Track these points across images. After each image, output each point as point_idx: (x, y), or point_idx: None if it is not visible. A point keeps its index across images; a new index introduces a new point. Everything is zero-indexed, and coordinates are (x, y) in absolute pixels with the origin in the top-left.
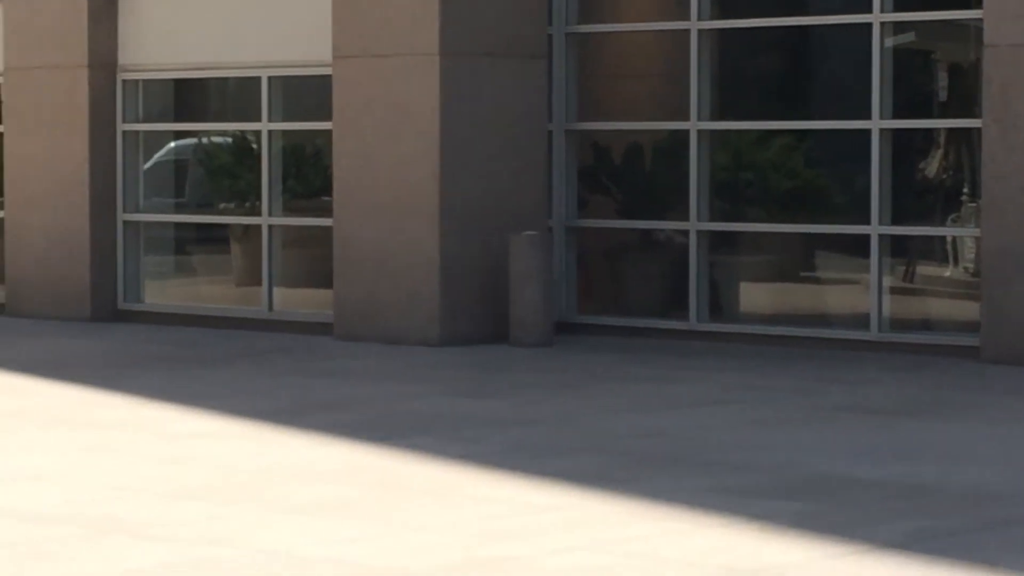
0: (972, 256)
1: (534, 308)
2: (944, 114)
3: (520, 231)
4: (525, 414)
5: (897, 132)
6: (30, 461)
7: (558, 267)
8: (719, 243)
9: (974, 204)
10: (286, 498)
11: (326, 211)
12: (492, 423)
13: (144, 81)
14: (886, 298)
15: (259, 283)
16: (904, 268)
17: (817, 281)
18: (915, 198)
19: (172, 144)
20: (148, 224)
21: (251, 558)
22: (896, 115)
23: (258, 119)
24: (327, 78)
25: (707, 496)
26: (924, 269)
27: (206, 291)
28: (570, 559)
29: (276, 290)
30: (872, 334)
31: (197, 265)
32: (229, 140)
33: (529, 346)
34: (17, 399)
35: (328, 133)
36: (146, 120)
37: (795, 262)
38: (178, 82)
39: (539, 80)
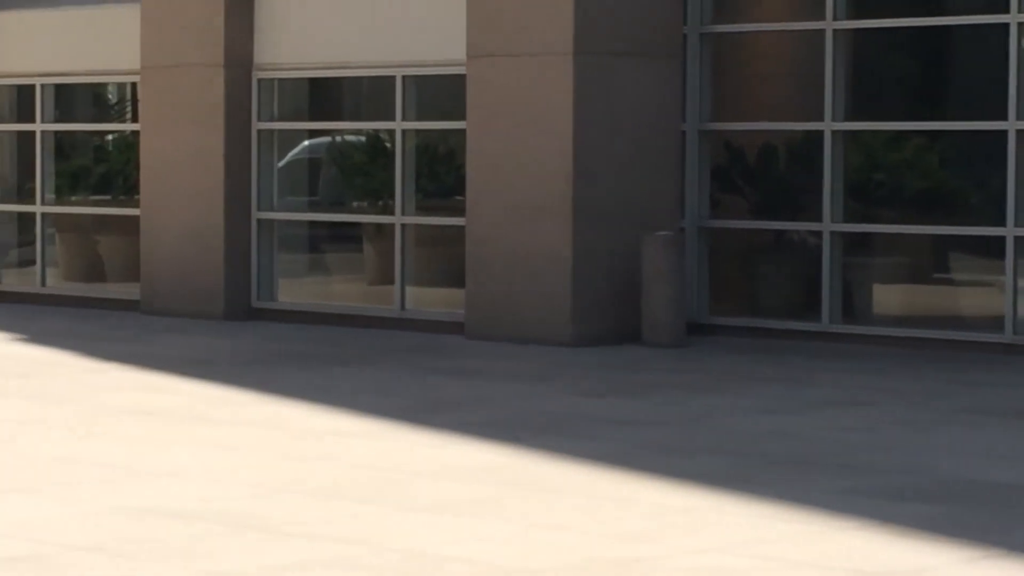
0: None
1: (666, 308)
2: None
3: (653, 231)
4: (657, 414)
5: None
6: (169, 458)
7: (691, 268)
8: (852, 244)
9: None
10: (419, 497)
11: (459, 210)
12: (623, 423)
13: (279, 80)
14: (1021, 300)
15: (391, 282)
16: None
17: (950, 283)
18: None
19: (306, 143)
20: (282, 222)
21: (385, 556)
22: None
23: (392, 118)
24: (461, 77)
25: (839, 498)
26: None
27: (339, 290)
28: (700, 560)
29: (408, 289)
30: (1006, 337)
31: (330, 264)
32: (363, 139)
33: (661, 347)
34: (155, 396)
35: (461, 132)
36: (281, 119)
37: (928, 264)
38: (313, 81)
39: (673, 80)
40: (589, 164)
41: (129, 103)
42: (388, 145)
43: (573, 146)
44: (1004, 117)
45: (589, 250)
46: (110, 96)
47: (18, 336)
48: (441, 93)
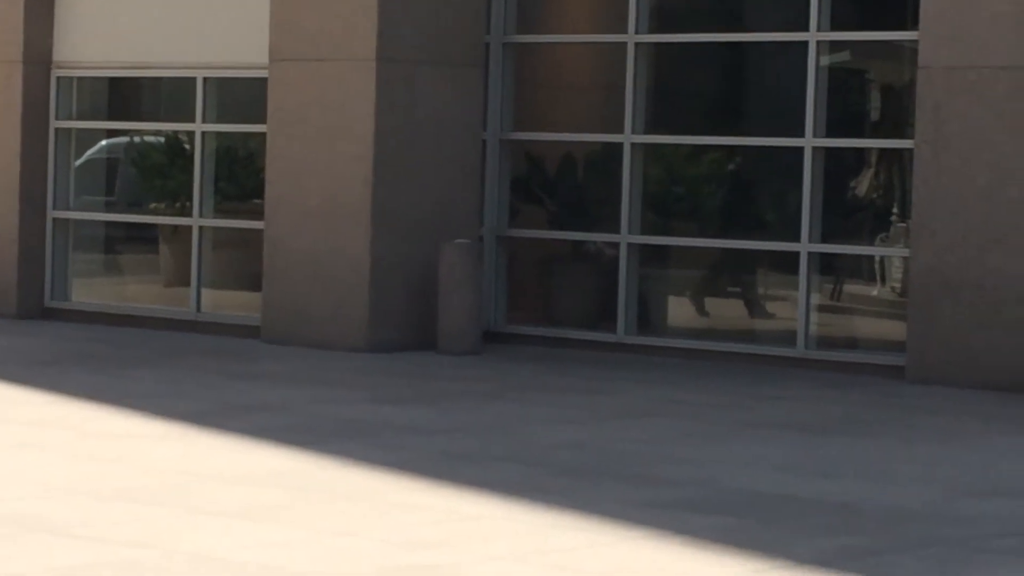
0: (900, 276)
1: (463, 316)
2: (877, 134)
3: (452, 239)
4: (451, 422)
5: (829, 150)
6: None
7: (488, 276)
8: (649, 256)
9: (903, 224)
10: (211, 501)
11: (257, 214)
12: (418, 431)
13: (79, 78)
14: (813, 315)
15: (188, 284)
16: (832, 286)
17: (746, 297)
18: (845, 217)
19: (104, 142)
20: (78, 222)
21: (175, 560)
22: (829, 133)
23: (192, 120)
24: (263, 80)
25: (632, 509)
26: (852, 288)
27: (134, 291)
28: (492, 569)
29: (204, 292)
30: (798, 351)
31: (126, 264)
32: (162, 140)
33: (457, 354)
34: None
35: (262, 136)
36: (79, 118)
37: (724, 277)
38: (113, 80)
39: (475, 89)
40: (389, 171)
41: None
42: (187, 147)
43: (373, 152)
44: (802, 134)
45: (387, 256)
46: None
47: None
48: (242, 96)
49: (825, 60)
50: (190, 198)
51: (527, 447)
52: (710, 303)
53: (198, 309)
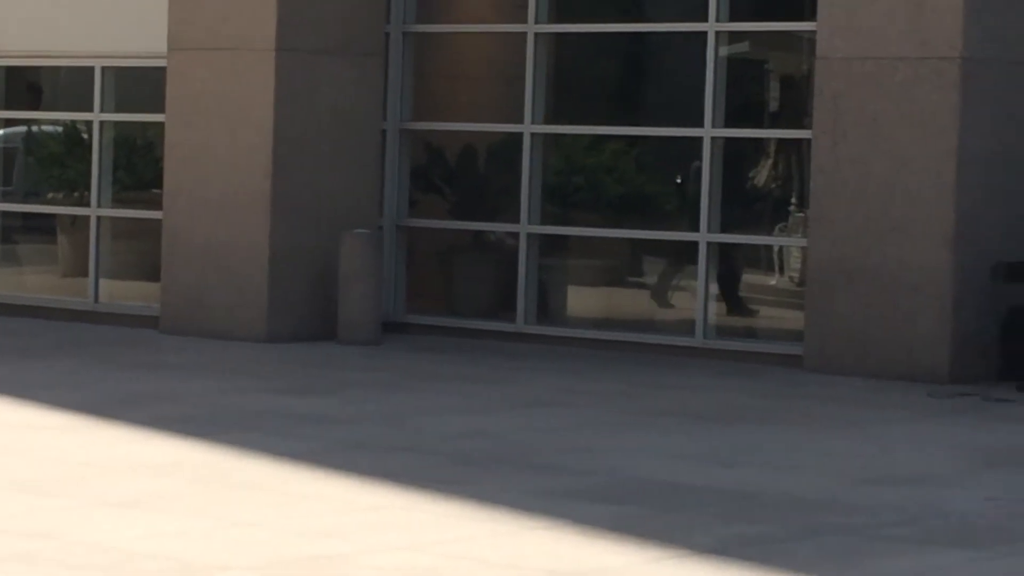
0: (798, 266)
1: (363, 306)
2: (775, 124)
3: (351, 229)
4: (350, 412)
5: (728, 140)
6: None
7: (388, 266)
8: (549, 246)
9: (802, 214)
10: (109, 491)
11: (156, 204)
12: (317, 420)
13: None
14: (712, 305)
15: (86, 274)
16: (730, 276)
17: (645, 287)
18: (744, 207)
19: (0, 131)
20: None
21: (73, 551)
22: (728, 124)
23: (90, 109)
24: (161, 70)
25: (531, 499)
26: (751, 277)
27: (31, 281)
28: (391, 559)
29: (103, 282)
30: (697, 340)
31: (23, 254)
32: (60, 129)
33: (357, 344)
34: None
35: (161, 125)
36: None
37: (624, 267)
38: (9, 69)
39: (375, 79)
40: (288, 160)
41: None
42: (85, 136)
43: (272, 142)
44: (701, 124)
45: (286, 246)
46: None
47: None
48: (141, 85)
49: (724, 51)
50: (88, 188)
51: (426, 437)
52: (610, 293)
53: (96, 299)
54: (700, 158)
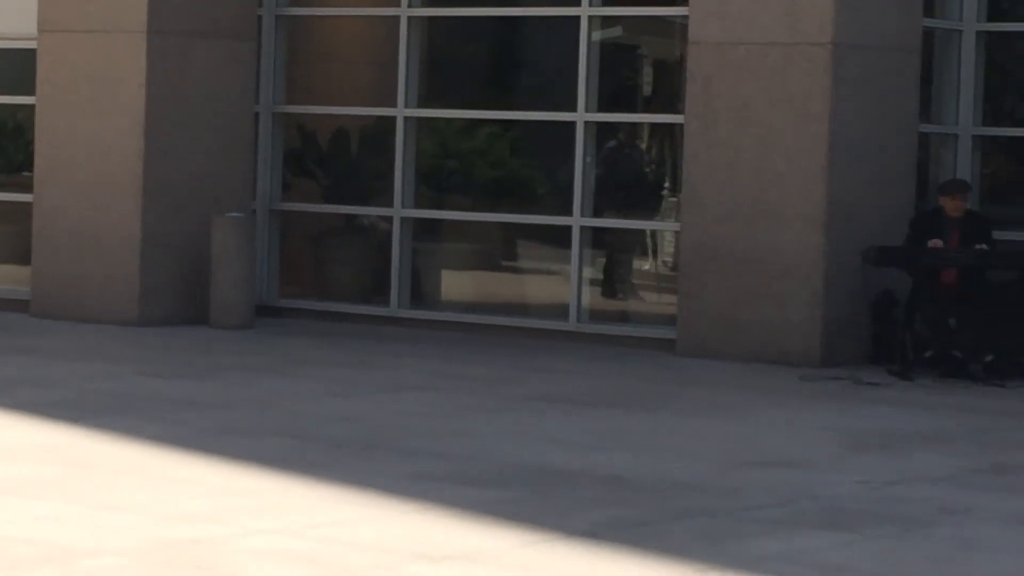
0: (671, 250)
1: (235, 290)
2: (648, 109)
3: (224, 213)
4: (223, 396)
5: (602, 125)
6: None
7: (261, 250)
8: (423, 230)
9: (674, 199)
10: None
11: (26, 187)
12: (190, 405)
13: None
14: (586, 289)
15: None
16: (604, 260)
17: (519, 270)
18: (617, 191)
19: None
20: None
21: None
22: (601, 108)
23: None
24: (31, 52)
25: (404, 482)
26: (624, 262)
27: None
28: (264, 542)
29: None
30: (571, 324)
31: None
32: None
33: (229, 328)
34: None
35: (31, 108)
36: None
37: (498, 251)
38: None
39: (247, 62)
40: (160, 143)
41: None
42: None
43: (144, 125)
44: (574, 109)
45: (158, 230)
46: None
47: None
48: (10, 67)
49: (597, 35)
50: None
51: (299, 421)
52: (484, 277)
53: None
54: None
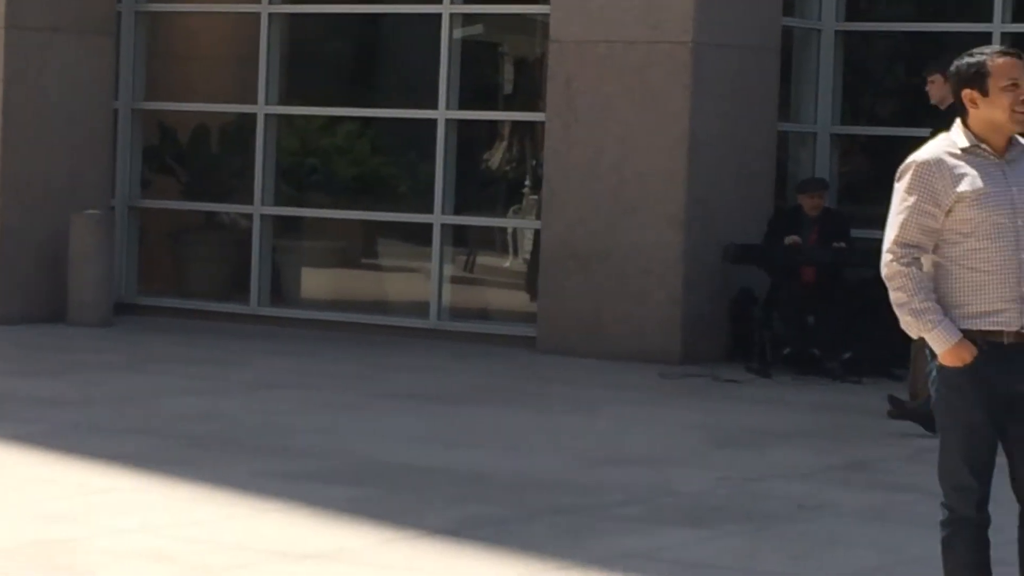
0: (532, 248)
1: (94, 288)
2: (509, 107)
3: (82, 210)
4: (82, 395)
5: (463, 123)
6: None
7: (119, 247)
8: (283, 227)
9: (535, 197)
10: None
11: None
12: (48, 403)
13: None
14: (447, 287)
15: None
16: (465, 258)
17: (379, 268)
18: (478, 189)
19: None
20: None
21: None
22: (463, 106)
23: None
24: None
25: (265, 481)
26: (485, 259)
27: None
28: (124, 541)
29: None
30: (431, 322)
31: None
32: None
33: (88, 326)
34: None
35: None
36: None
37: (358, 249)
38: None
39: (106, 57)
40: (18, 139)
41: None
42: None
43: (1, 121)
44: (435, 106)
45: (15, 227)
46: None
47: None
48: None
49: (458, 33)
50: None
51: (159, 419)
52: (344, 274)
53: None
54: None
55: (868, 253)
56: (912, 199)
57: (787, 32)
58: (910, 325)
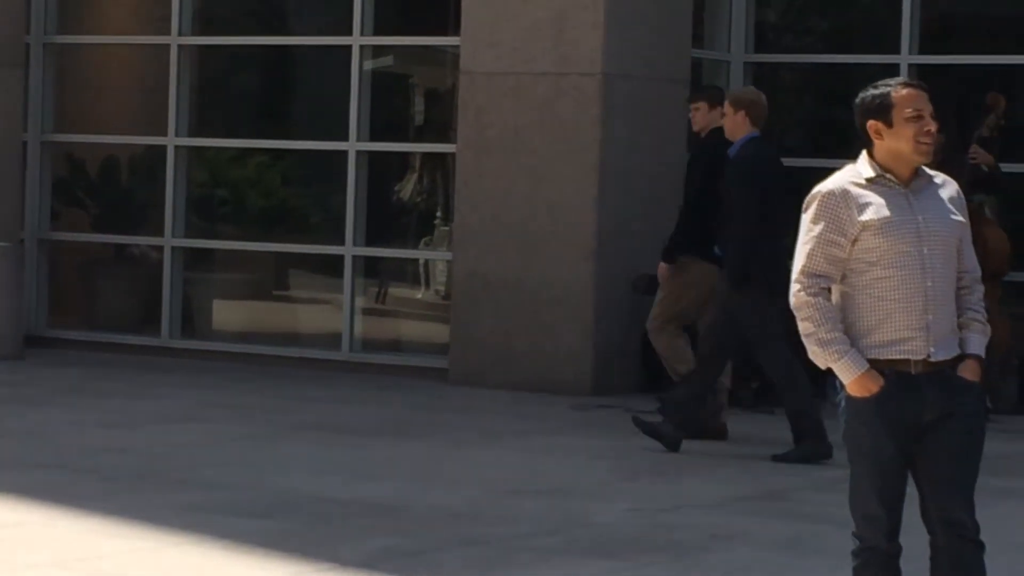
0: (444, 279)
1: (4, 320)
2: (420, 138)
3: None
4: None
5: (373, 154)
6: None
7: (30, 280)
8: (194, 260)
9: (447, 228)
10: None
11: None
12: None
13: None
14: (358, 319)
15: None
16: (377, 289)
17: (291, 300)
18: (390, 220)
19: None
20: None
21: None
22: (373, 137)
23: None
24: None
25: (176, 514)
26: (397, 291)
27: None
28: None
29: None
30: (343, 354)
31: None
32: None
33: None
34: None
35: None
36: None
37: (270, 281)
38: None
39: (14, 90)
40: None
41: None
42: None
43: None
44: (346, 138)
45: None
46: None
47: None
48: None
49: (369, 64)
50: None
51: (67, 453)
52: (256, 307)
53: None
54: (337, 176)
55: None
56: (818, 228)
57: (696, 64)
58: (817, 355)
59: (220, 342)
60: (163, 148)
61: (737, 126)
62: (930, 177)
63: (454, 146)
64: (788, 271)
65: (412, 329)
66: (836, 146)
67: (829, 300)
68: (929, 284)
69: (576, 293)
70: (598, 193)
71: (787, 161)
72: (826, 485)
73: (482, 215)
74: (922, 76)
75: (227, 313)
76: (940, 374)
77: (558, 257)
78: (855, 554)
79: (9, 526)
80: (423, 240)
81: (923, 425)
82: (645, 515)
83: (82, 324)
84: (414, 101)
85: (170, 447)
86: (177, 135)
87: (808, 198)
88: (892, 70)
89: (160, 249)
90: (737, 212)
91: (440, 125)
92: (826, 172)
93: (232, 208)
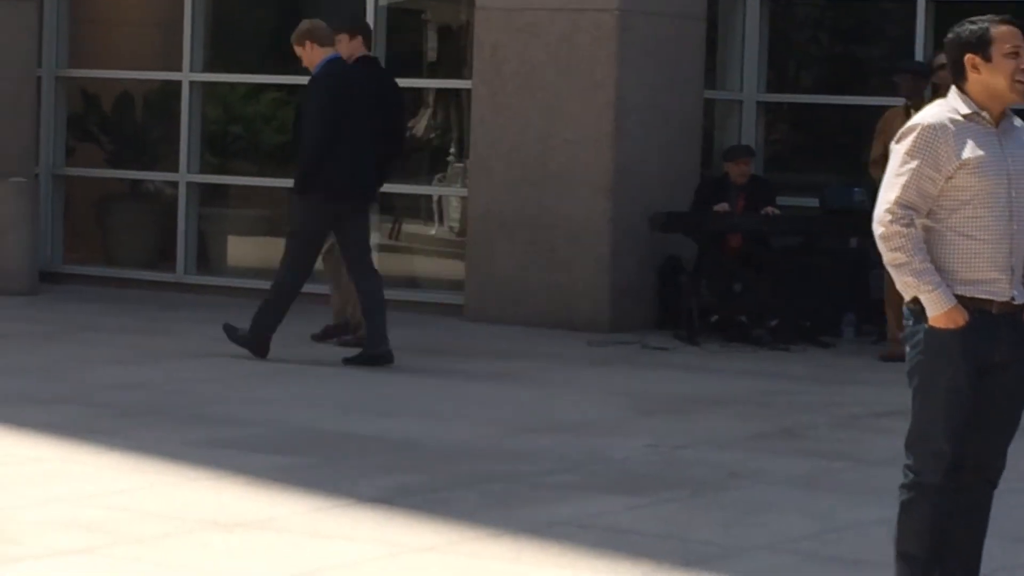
0: (458, 216)
1: (19, 256)
2: (434, 74)
3: (6, 178)
4: (8, 363)
5: None
6: None
7: (44, 215)
8: (208, 196)
9: (461, 164)
10: None
11: None
12: None
13: None
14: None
15: None
16: (391, 225)
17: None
18: (403, 156)
19: None
20: None
21: None
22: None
23: None
24: None
25: (194, 449)
26: (410, 227)
27: None
28: (51, 511)
29: None
30: None
31: None
32: None
33: (13, 295)
34: None
35: None
36: None
37: (284, 217)
38: None
39: (29, 24)
40: None
41: None
42: None
43: None
44: None
45: None
46: None
47: None
48: None
49: (384, 0)
50: None
51: (86, 388)
52: (270, 243)
53: None
54: None
55: (794, 220)
56: (914, 162)
57: (712, 1)
58: (909, 285)
59: (235, 278)
60: (178, 84)
61: (316, 53)
62: (1012, 118)
63: (469, 82)
64: (355, 178)
65: (426, 265)
66: (852, 83)
67: (919, 232)
68: (1015, 228)
69: (592, 229)
70: (614, 130)
71: (803, 98)
72: (842, 423)
73: (498, 152)
74: (941, 13)
75: (242, 249)
76: (1014, 316)
77: (574, 194)
78: (907, 487)
79: (27, 462)
80: (436, 176)
81: (989, 365)
82: (662, 452)
83: (97, 260)
84: (428, 37)
85: (186, 383)
86: (191, 71)
87: (904, 129)
88: (910, 7)
89: (175, 185)
90: (305, 123)
91: (454, 61)
92: (841, 110)
93: (246, 144)
